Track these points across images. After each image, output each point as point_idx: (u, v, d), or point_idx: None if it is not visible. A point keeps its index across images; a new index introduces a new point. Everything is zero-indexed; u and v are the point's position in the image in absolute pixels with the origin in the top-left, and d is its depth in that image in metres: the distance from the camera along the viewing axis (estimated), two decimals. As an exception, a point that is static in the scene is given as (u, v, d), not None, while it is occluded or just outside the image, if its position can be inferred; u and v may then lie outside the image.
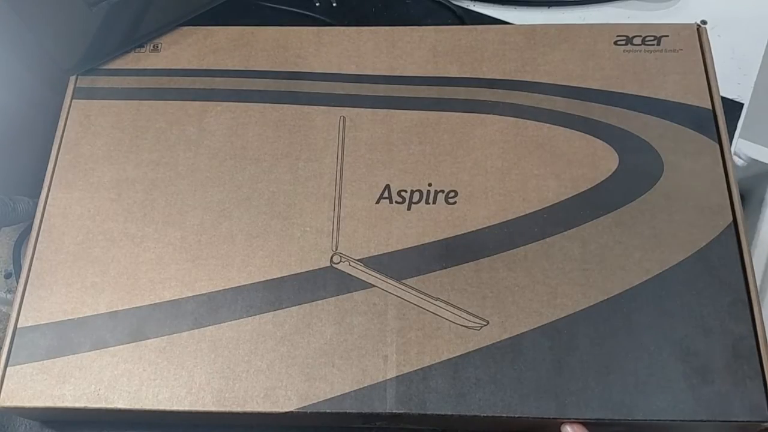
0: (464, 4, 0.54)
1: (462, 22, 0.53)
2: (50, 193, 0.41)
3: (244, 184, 0.40)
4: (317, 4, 0.51)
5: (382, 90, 0.43)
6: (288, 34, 0.45)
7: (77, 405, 0.36)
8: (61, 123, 0.43)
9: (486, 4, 0.54)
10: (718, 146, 0.40)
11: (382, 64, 0.44)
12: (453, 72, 0.43)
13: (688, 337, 0.36)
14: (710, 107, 0.41)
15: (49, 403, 0.36)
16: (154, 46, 0.45)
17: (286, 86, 0.43)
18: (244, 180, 0.41)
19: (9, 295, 0.46)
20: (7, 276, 0.46)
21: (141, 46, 0.45)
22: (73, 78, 0.44)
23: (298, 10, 0.49)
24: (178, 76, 0.44)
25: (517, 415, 0.35)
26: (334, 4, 0.51)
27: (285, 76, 0.44)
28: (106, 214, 0.40)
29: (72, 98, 0.43)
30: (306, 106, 0.43)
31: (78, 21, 0.42)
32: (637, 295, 0.37)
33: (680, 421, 0.34)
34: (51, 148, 0.42)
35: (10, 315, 0.38)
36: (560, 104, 0.42)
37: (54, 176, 0.41)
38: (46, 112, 0.45)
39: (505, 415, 0.35)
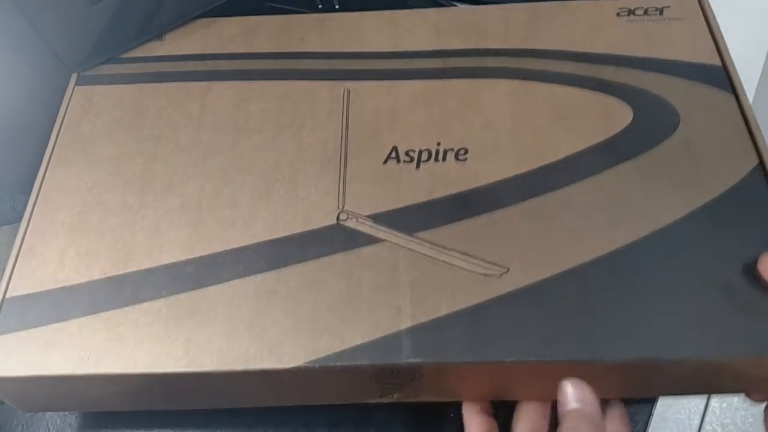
0: (464, 7, 0.55)
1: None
2: (48, 170, 0.39)
3: (246, 153, 0.39)
4: (320, 6, 0.52)
5: (386, 64, 0.43)
6: (291, 21, 0.45)
7: (64, 372, 0.33)
8: (62, 108, 0.42)
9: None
10: (733, 97, 0.39)
11: (386, 42, 0.44)
12: (456, 45, 0.43)
13: (725, 274, 0.33)
14: (720, 64, 0.40)
15: (34, 372, 0.33)
16: (157, 36, 0.45)
17: (288, 65, 0.43)
18: (246, 149, 0.39)
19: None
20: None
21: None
22: (76, 69, 0.44)
23: (301, 10, 0.50)
24: (181, 61, 0.44)
25: (546, 359, 0.31)
26: (337, 6, 0.52)
27: (288, 56, 0.43)
28: (104, 186, 0.39)
29: (75, 85, 0.43)
30: (309, 81, 0.42)
31: (81, 18, 0.42)
32: (666, 235, 0.34)
33: (722, 358, 0.31)
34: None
35: (-2, 287, 0.36)
36: (568, 67, 0.41)
37: (53, 155, 0.40)
38: (48, 111, 0.45)
39: (533, 359, 0.31)
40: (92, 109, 0.42)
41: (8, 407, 0.42)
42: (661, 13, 0.43)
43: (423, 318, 0.33)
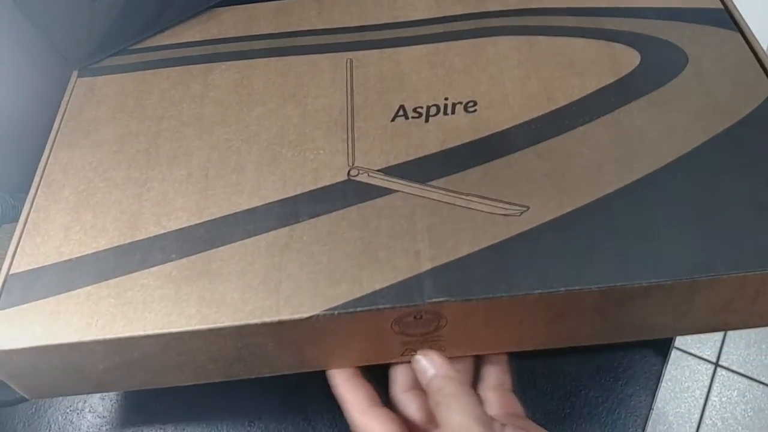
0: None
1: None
2: (51, 153, 0.39)
3: (251, 123, 0.39)
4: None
5: (387, 34, 0.42)
6: (289, 5, 0.45)
7: (71, 339, 0.31)
8: (65, 98, 0.42)
9: None
10: (740, 35, 0.38)
11: (386, 15, 0.44)
12: (457, 11, 0.43)
13: (753, 191, 0.32)
14: (722, 7, 0.40)
15: (39, 342, 0.31)
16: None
17: (290, 42, 0.43)
18: (251, 120, 0.39)
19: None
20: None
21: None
22: (78, 63, 0.44)
23: None
24: (183, 48, 0.44)
25: (578, 288, 0.30)
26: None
27: (288, 35, 0.43)
28: (109, 164, 0.38)
29: (77, 77, 0.43)
30: (311, 56, 0.42)
31: (83, 16, 0.42)
32: (689, 161, 0.33)
33: (762, 274, 0.30)
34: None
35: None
36: (571, 21, 0.41)
37: (56, 140, 0.39)
38: (50, 109, 0.44)
39: (562, 289, 0.30)
40: (95, 97, 0.41)
41: (10, 408, 0.40)
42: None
43: (443, 259, 0.31)
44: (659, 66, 0.38)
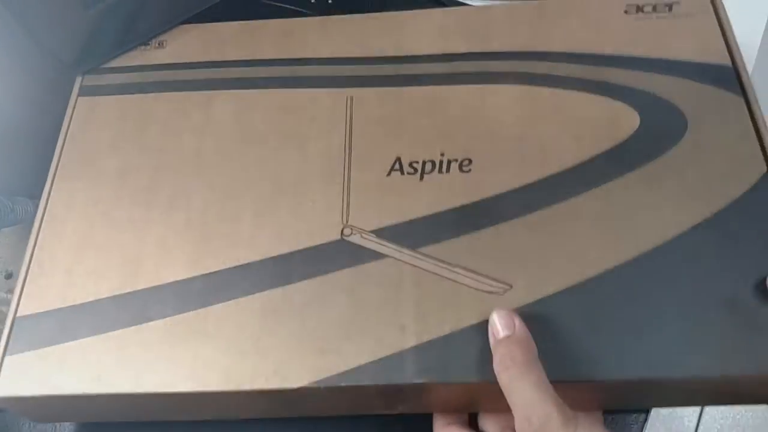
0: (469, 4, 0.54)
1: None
2: (53, 185, 0.40)
3: (250, 165, 0.39)
4: (312, 1, 0.51)
5: (389, 70, 0.42)
6: (292, 25, 0.45)
7: (76, 392, 0.33)
8: (66, 120, 0.42)
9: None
10: (743, 100, 0.38)
11: (389, 46, 0.43)
12: (462, 48, 0.42)
13: (731, 289, 0.33)
14: (731, 63, 0.39)
15: (47, 391, 0.34)
16: (159, 44, 0.45)
17: (291, 72, 0.43)
18: (250, 161, 0.39)
19: (9, 295, 0.44)
20: (8, 276, 0.45)
21: (146, 43, 0.45)
22: (78, 78, 0.44)
23: (293, 7, 0.49)
24: (183, 69, 0.43)
25: (551, 379, 0.31)
26: (330, 1, 0.51)
27: (290, 63, 0.43)
28: (110, 201, 0.39)
29: (78, 96, 0.43)
30: (312, 89, 0.42)
31: (76, 21, 0.42)
32: (671, 249, 0.34)
33: (728, 376, 0.31)
34: (51, 150, 0.41)
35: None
36: (574, 71, 0.40)
37: (58, 169, 0.40)
38: (45, 113, 0.45)
39: (537, 379, 0.32)
40: (95, 121, 0.42)
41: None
42: (671, 9, 0.42)
43: (427, 336, 0.33)
44: (658, 132, 0.37)
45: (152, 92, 0.43)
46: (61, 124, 0.42)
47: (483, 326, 0.33)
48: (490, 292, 0.34)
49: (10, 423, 0.42)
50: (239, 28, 0.45)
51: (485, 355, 0.32)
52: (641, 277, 0.34)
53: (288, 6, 0.50)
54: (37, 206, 0.39)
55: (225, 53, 0.44)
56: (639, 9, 0.42)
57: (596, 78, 0.40)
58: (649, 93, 0.39)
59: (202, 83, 0.43)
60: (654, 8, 0.42)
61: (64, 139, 0.41)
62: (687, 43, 0.40)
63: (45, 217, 0.39)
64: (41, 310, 0.36)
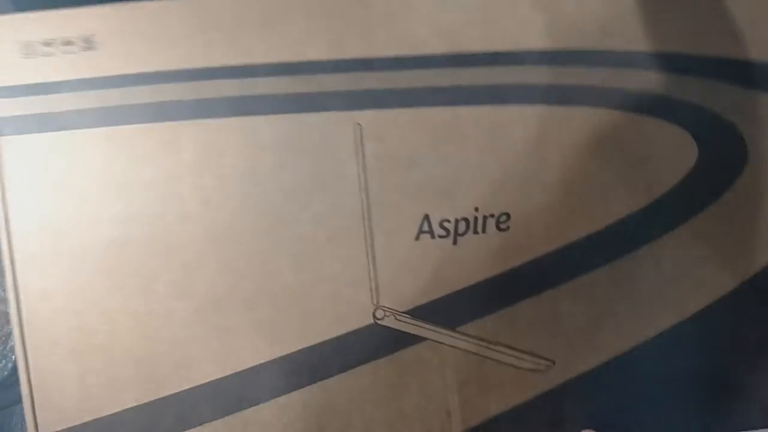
0: None
1: None
2: (16, 275, 0.33)
3: (261, 242, 0.33)
4: None
5: (395, 80, 0.33)
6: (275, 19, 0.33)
7: None
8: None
9: None
10: None
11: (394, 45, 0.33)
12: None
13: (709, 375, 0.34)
14: None
15: None
16: (86, 42, 0.32)
17: (279, 87, 0.33)
18: (255, 233, 0.33)
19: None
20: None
21: (70, 43, 0.32)
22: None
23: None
24: (130, 86, 0.32)
25: None
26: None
27: (278, 71, 0.33)
28: (96, 291, 0.33)
29: (-6, 136, 0.33)
30: (310, 114, 0.33)
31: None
32: (722, 308, 0.34)
33: None
34: None
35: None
36: (611, 79, 0.33)
37: (13, 252, 0.33)
38: None
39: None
40: (33, 178, 0.33)
41: (9, 409, 0.42)
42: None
43: (474, 421, 0.34)
44: (715, 169, 0.33)
45: (96, 126, 0.32)
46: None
47: (527, 405, 0.34)
48: (533, 370, 0.34)
49: (2, 424, 0.42)
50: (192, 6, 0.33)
51: (527, 434, 0.34)
52: (687, 343, 0.34)
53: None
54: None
55: (179, 58, 0.33)
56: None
57: (643, 88, 0.33)
58: (710, 112, 0.33)
59: (159, 109, 0.32)
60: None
61: (6, 211, 0.33)
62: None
63: (24, 321, 0.33)
64: (64, 427, 0.34)
